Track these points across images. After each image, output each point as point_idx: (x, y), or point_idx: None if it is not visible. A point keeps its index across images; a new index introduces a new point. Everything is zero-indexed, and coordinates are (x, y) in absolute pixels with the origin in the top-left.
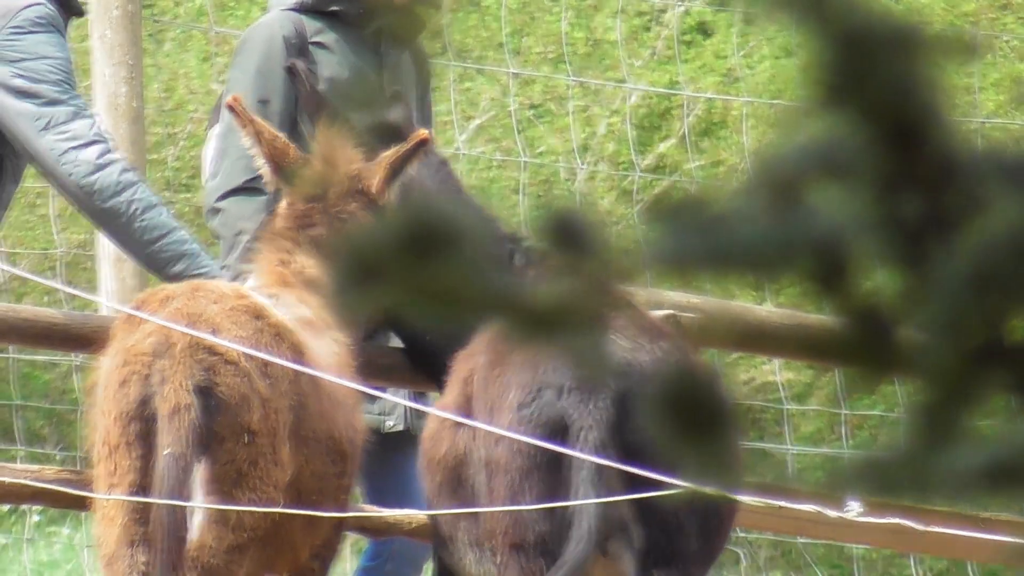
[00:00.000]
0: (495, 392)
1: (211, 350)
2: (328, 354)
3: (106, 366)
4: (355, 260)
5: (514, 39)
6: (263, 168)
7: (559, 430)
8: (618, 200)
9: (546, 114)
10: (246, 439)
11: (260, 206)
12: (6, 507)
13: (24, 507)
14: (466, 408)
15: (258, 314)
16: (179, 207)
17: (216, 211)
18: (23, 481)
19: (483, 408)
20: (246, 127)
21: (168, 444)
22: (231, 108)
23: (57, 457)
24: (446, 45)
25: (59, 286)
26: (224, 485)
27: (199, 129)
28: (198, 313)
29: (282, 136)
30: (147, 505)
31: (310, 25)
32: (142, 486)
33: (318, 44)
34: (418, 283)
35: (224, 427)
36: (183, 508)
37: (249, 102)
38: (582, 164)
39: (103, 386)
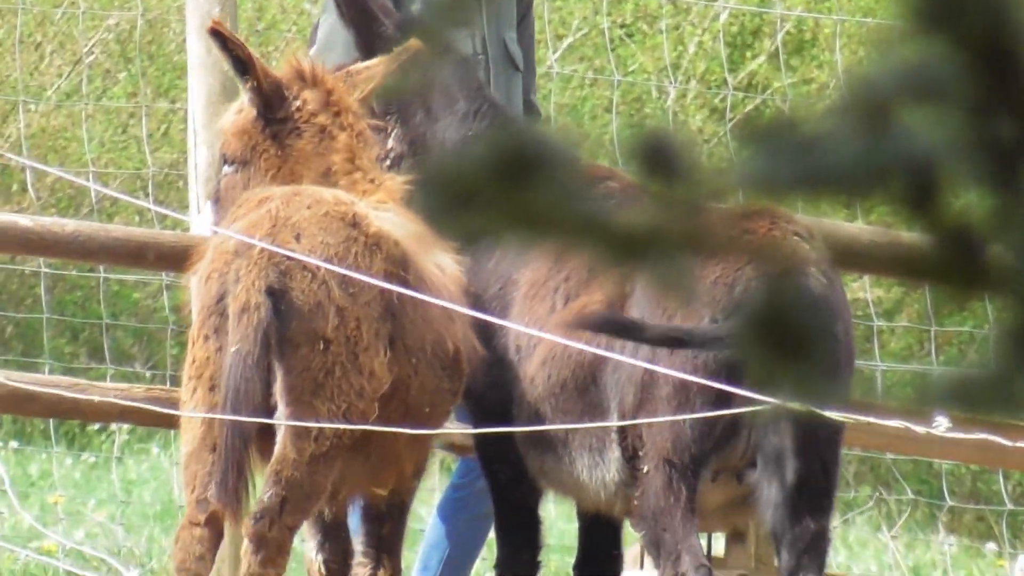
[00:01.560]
0: (674, 300)
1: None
2: (439, 270)
3: (202, 262)
4: (447, 185)
5: None
6: (252, 90)
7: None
8: (709, 118)
9: (637, 33)
10: (321, 346)
11: None
12: (95, 426)
13: (113, 426)
14: (619, 307)
15: (354, 222)
16: None
17: None
18: (112, 399)
19: (652, 313)
20: (236, 50)
21: (236, 341)
22: (214, 31)
23: (146, 376)
24: None
25: (150, 206)
26: (303, 395)
27: (292, 49)
28: (286, 217)
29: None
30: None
31: None
32: (221, 378)
33: None
34: (510, 208)
35: (298, 333)
36: (247, 412)
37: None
38: (673, 82)
39: (196, 281)
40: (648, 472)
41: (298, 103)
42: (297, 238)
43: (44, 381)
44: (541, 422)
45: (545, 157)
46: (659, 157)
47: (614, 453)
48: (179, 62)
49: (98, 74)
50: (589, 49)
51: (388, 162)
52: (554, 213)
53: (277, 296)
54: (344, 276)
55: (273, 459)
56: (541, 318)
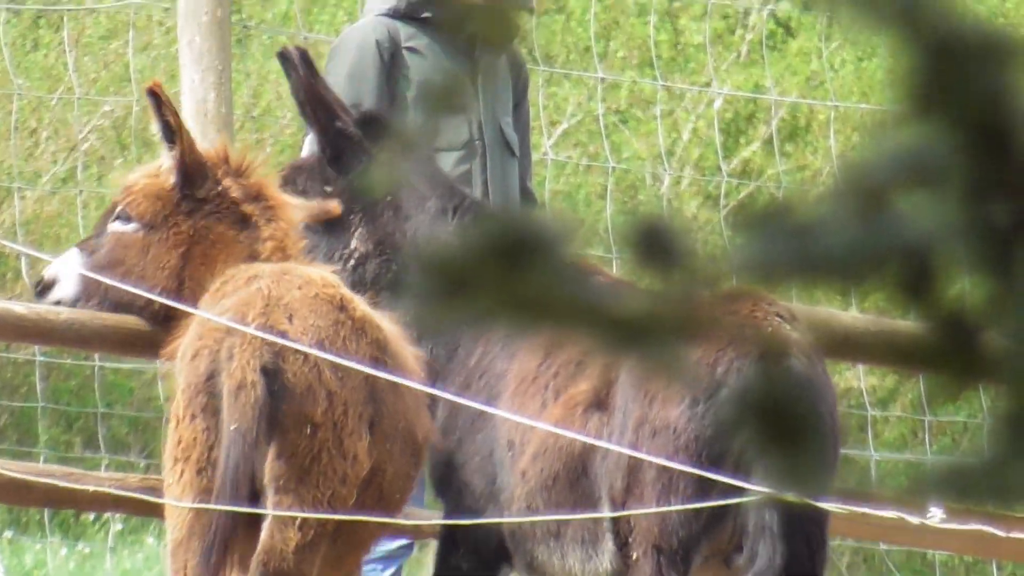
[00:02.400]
0: (657, 384)
1: (283, 334)
2: (410, 354)
3: (185, 339)
4: (442, 270)
5: (599, 43)
6: (175, 160)
7: (730, 431)
8: (704, 205)
9: (631, 119)
10: (308, 431)
11: None
12: (90, 515)
13: (108, 515)
14: (603, 397)
15: (342, 305)
16: None
17: None
18: (106, 489)
19: (634, 398)
20: (169, 116)
21: (234, 420)
22: (151, 92)
23: (141, 465)
24: (532, 50)
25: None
26: (289, 482)
27: (287, 134)
28: (278, 297)
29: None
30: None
31: (403, 30)
32: (209, 461)
33: (411, 49)
34: (505, 293)
35: (288, 416)
36: (245, 490)
37: None
38: (668, 169)
39: (179, 358)
40: (637, 559)
41: (220, 188)
42: (290, 319)
43: (38, 470)
44: (532, 515)
45: (540, 243)
46: (654, 244)
47: (607, 544)
48: None
49: (93, 160)
50: (583, 135)
51: (352, 262)
52: (548, 299)
53: (270, 377)
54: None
55: (259, 548)
56: (534, 414)
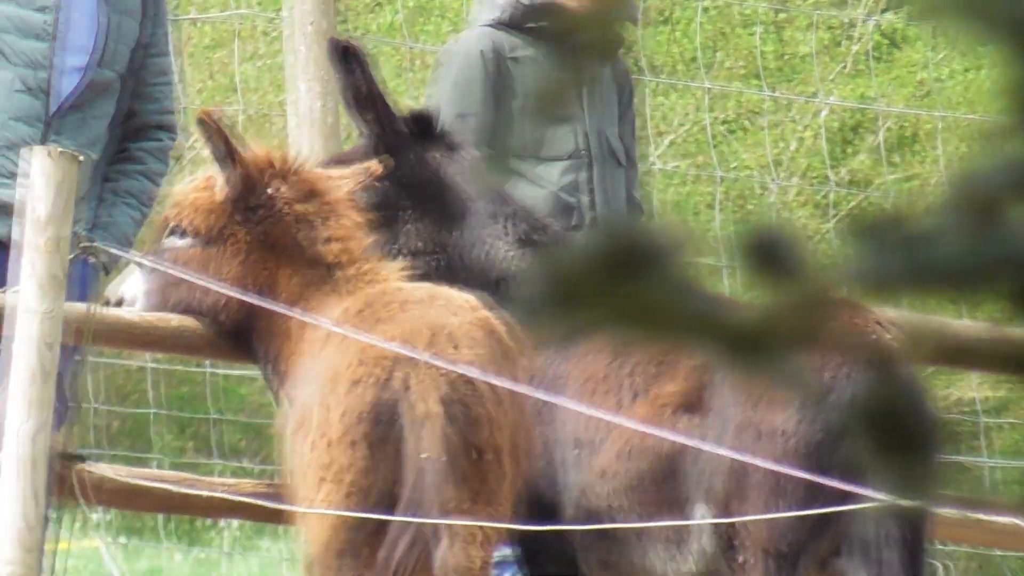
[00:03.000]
0: (758, 388)
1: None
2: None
3: (333, 359)
4: (557, 281)
5: (705, 54)
6: (232, 180)
7: (840, 436)
8: (812, 215)
9: (739, 129)
10: (475, 456)
11: None
12: (206, 521)
13: (222, 521)
14: (696, 399)
15: (490, 330)
16: None
17: None
18: (220, 495)
19: (735, 401)
20: (220, 143)
21: (425, 450)
22: (201, 121)
23: (255, 471)
24: (638, 60)
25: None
26: (463, 503)
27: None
28: (441, 325)
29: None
30: (360, 510)
31: (508, 41)
32: (362, 487)
33: (516, 59)
34: (620, 305)
35: (460, 445)
36: (432, 516)
37: (448, 116)
38: (776, 179)
39: (329, 379)
40: (746, 562)
41: (271, 191)
42: (456, 348)
43: (153, 476)
44: (614, 515)
45: (652, 254)
46: (769, 254)
47: (693, 544)
48: None
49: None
50: (692, 145)
51: (400, 258)
52: (661, 310)
53: (447, 407)
54: (493, 388)
55: (448, 568)
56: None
